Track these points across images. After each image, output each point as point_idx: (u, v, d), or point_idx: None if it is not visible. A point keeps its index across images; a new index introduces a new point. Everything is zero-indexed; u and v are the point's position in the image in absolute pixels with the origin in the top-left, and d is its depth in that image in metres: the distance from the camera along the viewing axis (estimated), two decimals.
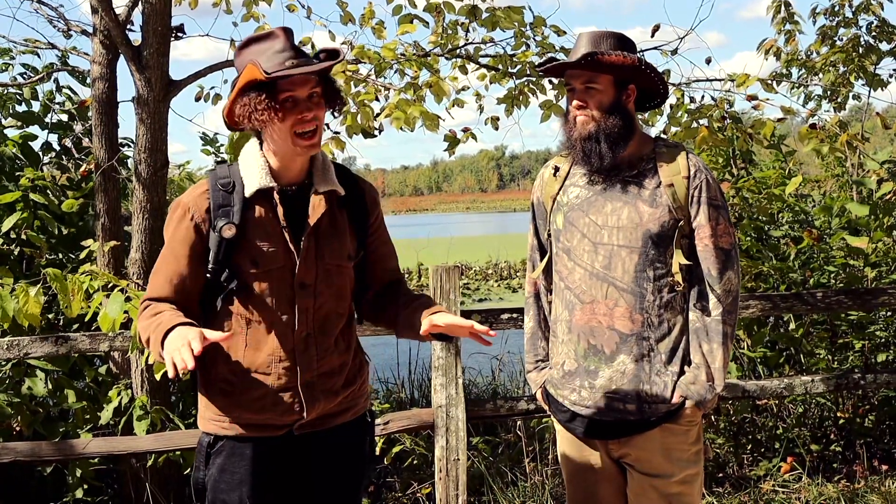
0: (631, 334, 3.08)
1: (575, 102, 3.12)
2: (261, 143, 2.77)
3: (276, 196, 2.70)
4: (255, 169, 2.71)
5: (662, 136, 4.23)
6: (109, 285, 4.40)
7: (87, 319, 4.49)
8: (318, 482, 2.83)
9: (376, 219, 2.93)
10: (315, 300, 2.73)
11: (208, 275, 2.68)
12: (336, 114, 2.85)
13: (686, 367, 3.11)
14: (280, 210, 2.70)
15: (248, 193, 2.68)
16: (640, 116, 3.40)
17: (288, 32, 2.66)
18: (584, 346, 3.15)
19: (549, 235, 3.32)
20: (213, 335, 2.40)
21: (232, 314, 2.71)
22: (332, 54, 2.69)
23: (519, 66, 5.60)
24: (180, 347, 2.31)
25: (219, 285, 2.70)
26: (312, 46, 5.87)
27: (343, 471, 2.87)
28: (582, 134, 3.10)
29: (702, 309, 3.11)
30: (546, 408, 3.39)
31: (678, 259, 3.07)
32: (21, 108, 6.54)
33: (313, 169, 2.79)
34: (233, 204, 2.68)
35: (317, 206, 2.74)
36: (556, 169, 3.30)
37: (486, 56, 5.80)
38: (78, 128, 6.65)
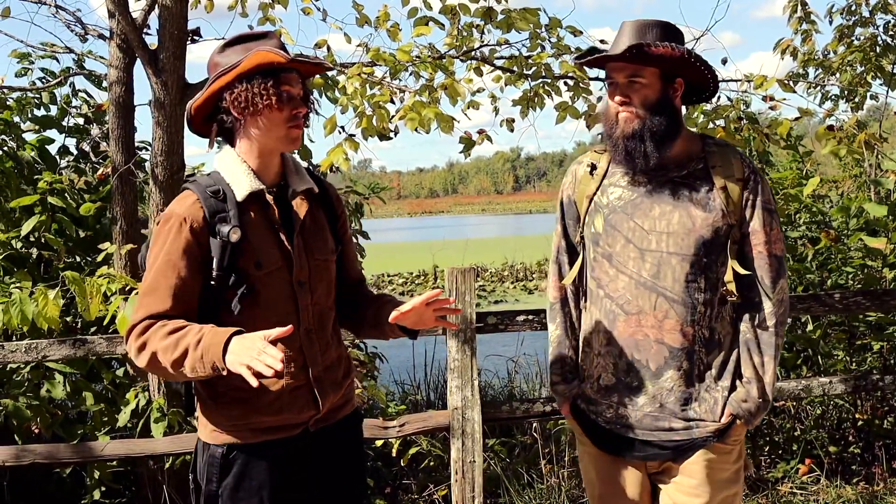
0: (681, 349, 2.87)
1: (617, 98, 2.88)
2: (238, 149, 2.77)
3: (268, 197, 2.73)
4: (239, 174, 2.71)
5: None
6: (127, 288, 4.42)
7: (105, 323, 4.51)
8: (330, 476, 2.86)
9: (342, 217, 3.00)
10: (312, 296, 2.77)
11: (213, 282, 2.65)
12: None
13: (737, 382, 2.93)
14: (275, 210, 2.73)
15: (240, 198, 2.68)
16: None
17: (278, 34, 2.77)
18: (626, 361, 2.94)
19: (582, 238, 3.10)
20: (275, 333, 2.40)
21: (240, 320, 2.67)
22: (320, 63, 2.79)
23: (534, 68, 5.59)
24: (258, 355, 2.32)
25: (222, 293, 2.67)
26: (328, 49, 5.88)
27: (350, 463, 2.93)
28: (625, 132, 2.86)
29: (752, 319, 2.92)
30: (573, 424, 3.17)
31: (734, 268, 2.88)
32: (39, 112, 6.59)
33: (286, 170, 2.82)
34: (228, 210, 2.67)
35: (300, 205, 2.79)
36: (593, 167, 3.06)
37: (502, 58, 5.79)
38: (95, 131, 6.69)
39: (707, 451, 2.92)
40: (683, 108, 3.06)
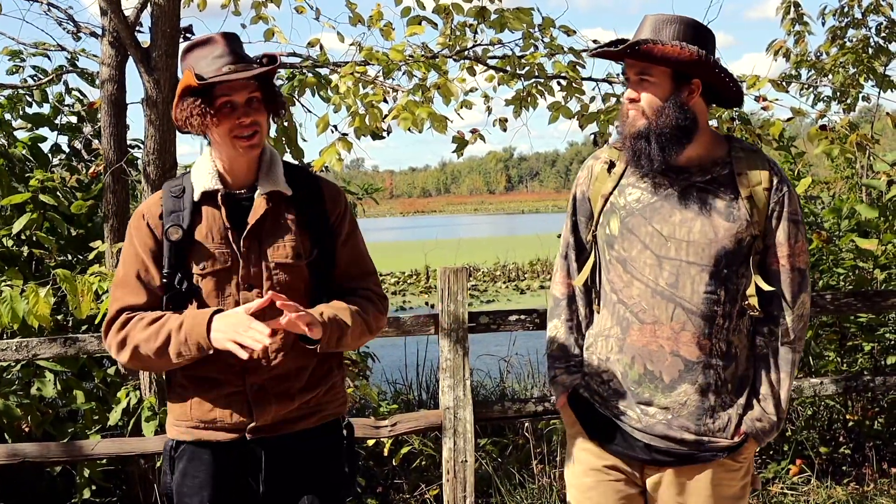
0: (697, 362, 2.75)
1: (627, 94, 2.81)
2: (212, 149, 2.80)
3: (219, 198, 2.73)
4: (203, 174, 2.75)
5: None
6: None
7: (97, 321, 4.49)
8: (283, 488, 2.80)
9: (337, 218, 2.87)
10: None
11: (164, 279, 2.71)
12: (275, 119, 2.86)
13: (753, 400, 2.82)
14: (223, 211, 2.72)
15: (196, 197, 2.73)
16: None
17: (229, 38, 2.70)
18: (638, 371, 2.82)
19: (595, 238, 2.96)
20: (254, 305, 2.53)
21: None
22: (271, 59, 2.70)
23: (527, 68, 5.59)
24: (245, 330, 2.46)
25: (172, 289, 2.72)
26: (321, 48, 5.88)
27: (309, 476, 2.83)
28: (632, 131, 2.77)
29: (768, 333, 2.81)
30: (568, 414, 3.03)
31: (758, 282, 2.76)
32: (31, 110, 6.57)
33: (260, 171, 2.80)
34: (182, 209, 2.73)
35: (258, 207, 2.73)
36: (612, 164, 2.92)
37: (495, 57, 5.79)
38: (87, 129, 6.68)
39: (716, 467, 2.82)
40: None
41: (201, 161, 2.80)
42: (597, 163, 2.98)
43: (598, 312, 2.97)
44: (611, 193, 2.90)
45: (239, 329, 2.48)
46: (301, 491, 2.81)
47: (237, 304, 2.68)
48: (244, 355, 2.45)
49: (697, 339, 2.75)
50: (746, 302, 2.78)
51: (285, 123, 5.45)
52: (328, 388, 2.85)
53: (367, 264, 2.96)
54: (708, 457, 2.80)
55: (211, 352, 2.56)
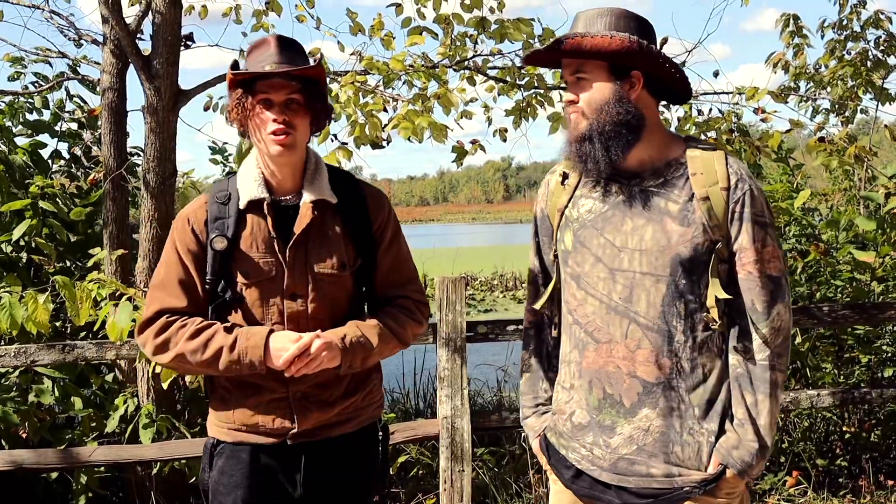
0: (657, 383, 2.51)
1: (564, 97, 2.62)
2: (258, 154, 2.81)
3: (265, 207, 2.72)
4: (249, 180, 2.75)
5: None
6: (117, 293, 4.41)
7: (95, 328, 4.50)
8: (319, 492, 2.83)
9: (381, 224, 2.87)
10: (307, 310, 2.73)
11: (207, 285, 2.72)
12: (317, 126, 2.82)
13: (727, 425, 2.53)
14: (269, 220, 2.72)
15: (241, 205, 2.73)
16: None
17: (282, 40, 2.71)
18: (597, 396, 2.59)
19: (556, 257, 2.75)
20: (307, 338, 2.63)
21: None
22: (311, 66, 2.69)
23: (527, 79, 5.61)
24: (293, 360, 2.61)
25: (216, 297, 2.73)
26: (322, 57, 5.90)
27: (346, 481, 2.87)
28: (575, 134, 2.57)
29: (744, 351, 2.53)
30: (543, 461, 2.84)
31: (714, 291, 2.48)
32: (32, 117, 6.58)
33: (304, 177, 2.79)
34: (228, 216, 2.73)
35: (304, 216, 2.73)
36: (565, 176, 2.72)
37: (495, 68, 5.81)
38: (87, 136, 6.68)
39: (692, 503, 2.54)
40: (672, 110, 2.74)
41: (247, 166, 2.80)
42: (553, 177, 2.80)
43: (560, 336, 2.78)
44: (566, 206, 2.71)
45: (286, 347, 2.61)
46: (337, 494, 2.86)
47: (280, 314, 2.71)
48: (292, 372, 2.62)
49: (655, 358, 2.51)
50: (706, 313, 2.52)
51: None
52: (366, 392, 2.90)
53: (409, 270, 2.95)
54: (682, 494, 2.53)
55: (263, 371, 2.64)
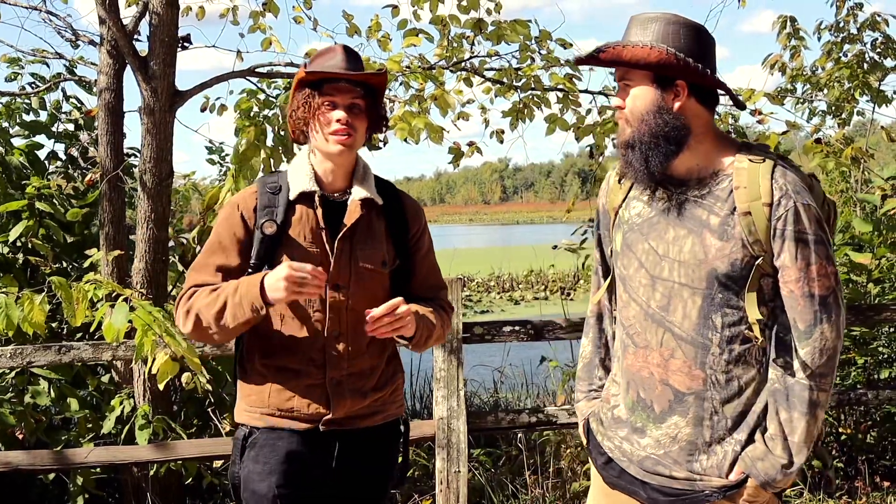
0: (688, 393, 2.52)
1: (613, 102, 2.67)
2: (310, 152, 2.94)
3: (316, 199, 2.85)
4: (301, 174, 2.88)
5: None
6: (114, 294, 4.41)
7: (91, 329, 4.49)
8: (344, 481, 2.91)
9: (417, 233, 3.03)
10: (348, 301, 2.83)
11: (250, 269, 2.82)
12: (377, 132, 2.99)
13: (758, 435, 2.51)
14: (319, 212, 2.84)
15: (292, 196, 2.85)
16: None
17: (348, 50, 2.88)
18: (632, 398, 2.65)
19: (612, 254, 2.79)
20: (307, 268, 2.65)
21: (269, 311, 2.80)
22: (377, 73, 2.87)
23: (524, 80, 5.61)
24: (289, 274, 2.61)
25: None
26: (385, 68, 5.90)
27: (369, 473, 2.96)
28: (621, 140, 2.60)
29: (785, 367, 2.48)
30: (584, 442, 2.89)
31: (751, 310, 2.46)
32: (28, 118, 6.57)
33: (354, 177, 2.93)
34: (277, 205, 2.86)
35: (353, 211, 2.86)
36: (622, 176, 2.73)
37: (492, 69, 5.81)
38: (84, 137, 6.68)
39: None
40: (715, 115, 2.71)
41: (298, 162, 2.93)
42: (612, 173, 2.80)
43: (615, 331, 2.83)
44: (620, 206, 2.73)
45: (281, 275, 2.62)
46: (362, 485, 2.95)
47: (322, 303, 2.82)
48: (300, 294, 2.64)
49: (688, 369, 2.52)
50: (745, 327, 2.49)
51: (282, 133, 5.46)
52: (393, 388, 3.01)
53: (441, 279, 3.14)
54: (702, 497, 2.54)
55: (263, 311, 2.68)
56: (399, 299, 2.73)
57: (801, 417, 2.45)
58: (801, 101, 8.31)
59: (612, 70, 2.72)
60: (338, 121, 2.78)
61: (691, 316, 2.51)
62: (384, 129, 2.98)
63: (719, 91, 2.59)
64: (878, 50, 8.40)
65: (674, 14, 2.55)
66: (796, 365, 2.46)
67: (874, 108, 8.43)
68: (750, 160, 2.49)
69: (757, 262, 2.45)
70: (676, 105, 2.51)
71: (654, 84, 2.51)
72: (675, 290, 2.53)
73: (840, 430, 6.10)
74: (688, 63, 2.45)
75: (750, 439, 2.51)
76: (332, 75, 2.80)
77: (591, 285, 3.01)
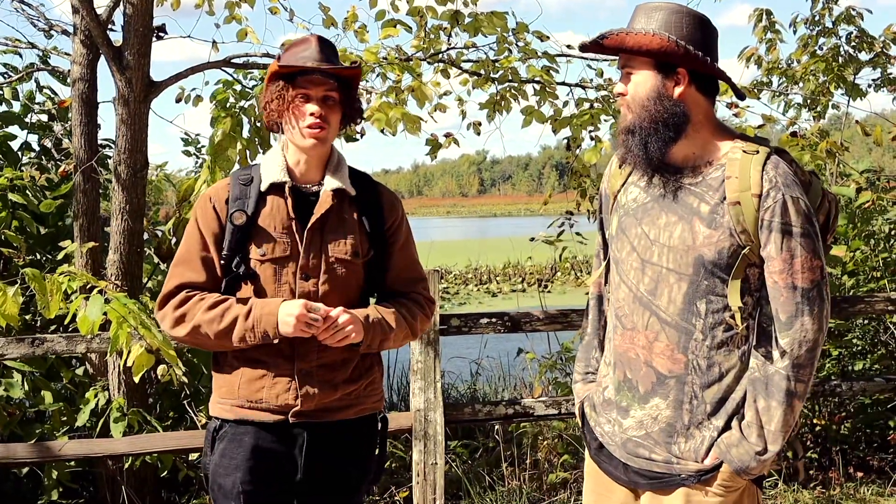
0: (670, 376, 2.59)
1: (615, 89, 2.71)
2: (283, 144, 2.96)
3: (287, 189, 2.86)
4: (273, 166, 2.90)
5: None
6: (88, 286, 4.37)
7: (66, 322, 4.46)
8: (315, 476, 2.90)
9: (393, 224, 3.03)
10: (318, 291, 2.84)
11: (222, 261, 2.85)
12: (351, 125, 3.02)
13: (734, 423, 2.56)
14: (290, 202, 2.85)
15: (263, 187, 2.87)
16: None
17: (322, 41, 2.88)
18: (618, 378, 2.72)
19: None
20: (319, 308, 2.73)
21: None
22: (351, 66, 2.88)
23: (501, 72, 5.61)
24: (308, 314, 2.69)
25: (230, 272, 2.85)
26: (360, 60, 5.87)
27: (341, 468, 2.95)
28: (622, 126, 2.67)
29: (766, 356, 2.53)
30: (580, 425, 2.96)
31: (732, 297, 2.51)
32: (1, 108, 6.50)
33: (328, 169, 2.94)
34: (248, 196, 2.88)
35: (324, 201, 2.88)
36: (623, 161, 2.77)
37: (469, 61, 5.80)
38: (58, 128, 6.62)
39: (689, 491, 2.59)
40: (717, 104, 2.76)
41: (271, 154, 2.95)
42: (615, 158, 2.84)
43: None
44: (619, 191, 2.80)
45: (300, 318, 2.68)
46: (334, 479, 2.93)
47: (293, 292, 2.83)
48: (307, 334, 2.70)
49: (672, 352, 2.59)
50: (729, 314, 2.55)
51: (258, 124, 5.43)
52: (368, 382, 2.99)
53: (419, 271, 3.11)
54: (679, 480, 2.60)
55: (276, 340, 2.73)
56: (339, 309, 2.75)
57: (777, 406, 2.49)
58: (777, 94, 8.33)
59: (607, 59, 2.77)
60: (311, 114, 2.80)
61: (676, 301, 2.57)
62: (358, 120, 2.99)
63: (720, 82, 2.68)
64: (853, 44, 8.43)
65: (678, 4, 2.62)
66: (776, 355, 2.51)
67: (849, 101, 8.47)
68: (744, 151, 2.56)
69: (743, 252, 2.51)
70: (677, 92, 2.58)
71: (656, 71, 2.58)
72: (662, 275, 2.60)
73: (815, 421, 6.14)
74: (689, 51, 2.51)
75: (727, 426, 2.57)
76: (305, 69, 2.80)
77: (592, 267, 3.07)
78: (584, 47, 2.74)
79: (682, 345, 2.58)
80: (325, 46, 2.87)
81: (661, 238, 2.61)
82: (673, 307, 2.58)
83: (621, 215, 2.75)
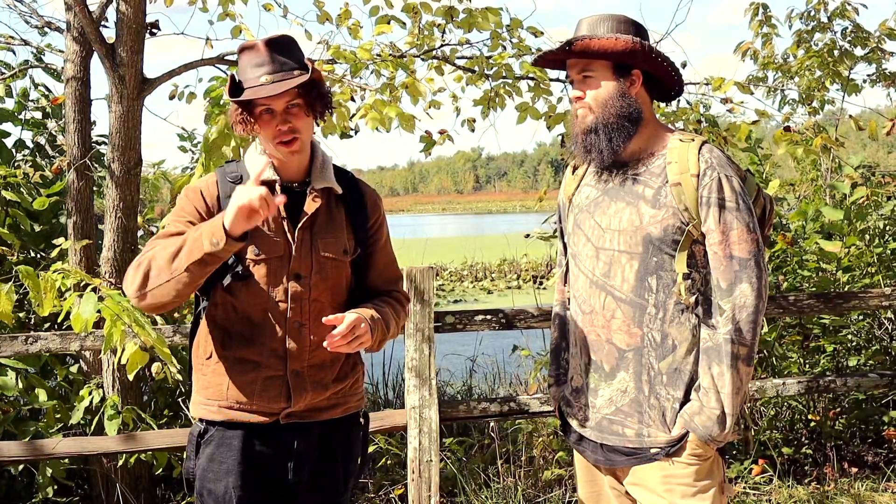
0: (628, 350, 2.81)
1: (572, 94, 2.89)
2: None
3: (277, 188, 2.81)
4: (259, 164, 2.83)
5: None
6: (82, 284, 4.37)
7: (60, 319, 4.45)
8: (305, 475, 2.88)
9: (376, 223, 3.02)
10: (310, 291, 2.82)
11: None
12: (321, 120, 2.92)
13: (693, 393, 2.77)
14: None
15: None
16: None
17: (272, 44, 2.76)
18: (584, 361, 2.92)
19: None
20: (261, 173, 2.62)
21: (229, 301, 2.81)
22: (309, 67, 2.78)
23: (495, 68, 5.60)
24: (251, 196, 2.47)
25: (221, 271, 2.76)
26: (314, 61, 5.85)
27: (330, 467, 2.94)
28: (582, 127, 2.87)
29: (712, 326, 2.77)
30: (560, 425, 3.17)
31: (679, 265, 2.76)
32: None
33: (312, 168, 2.90)
34: None
35: (312, 201, 2.84)
36: (576, 167, 3.07)
37: (463, 58, 5.79)
38: (52, 125, 6.60)
39: (663, 466, 2.79)
40: (657, 103, 3.02)
41: (254, 152, 2.91)
42: (569, 168, 3.11)
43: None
44: (573, 194, 3.04)
45: (244, 197, 2.48)
46: (324, 479, 2.92)
47: (286, 292, 2.80)
48: (265, 214, 2.49)
49: (628, 327, 2.81)
50: (676, 289, 2.78)
51: None
52: (353, 380, 2.99)
53: (397, 270, 3.13)
54: (650, 455, 2.80)
55: (222, 244, 2.50)
56: (356, 317, 2.68)
57: (727, 370, 2.71)
58: (773, 89, 8.34)
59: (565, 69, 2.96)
60: (278, 129, 2.74)
61: (629, 279, 2.81)
62: (330, 109, 2.90)
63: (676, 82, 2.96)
64: (849, 39, 8.43)
65: (618, 14, 2.91)
66: (720, 322, 2.73)
67: (844, 96, 8.47)
68: (680, 140, 2.84)
69: (687, 228, 2.76)
70: (633, 91, 2.85)
71: (614, 74, 2.83)
72: (615, 257, 2.83)
73: (810, 416, 6.15)
74: (651, 49, 2.80)
75: (686, 398, 2.79)
76: (255, 100, 2.72)
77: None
78: (550, 55, 2.94)
79: (637, 319, 2.80)
80: (276, 49, 2.76)
81: (612, 225, 2.85)
82: (627, 285, 2.81)
83: (576, 213, 2.99)
